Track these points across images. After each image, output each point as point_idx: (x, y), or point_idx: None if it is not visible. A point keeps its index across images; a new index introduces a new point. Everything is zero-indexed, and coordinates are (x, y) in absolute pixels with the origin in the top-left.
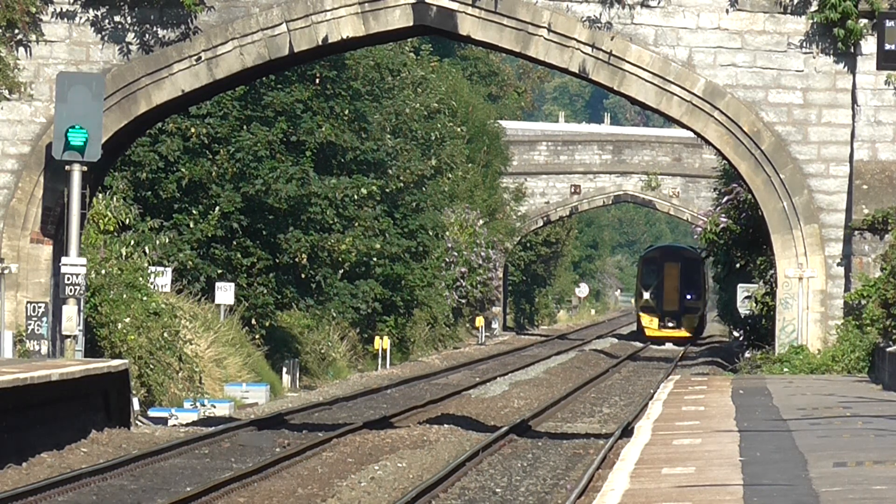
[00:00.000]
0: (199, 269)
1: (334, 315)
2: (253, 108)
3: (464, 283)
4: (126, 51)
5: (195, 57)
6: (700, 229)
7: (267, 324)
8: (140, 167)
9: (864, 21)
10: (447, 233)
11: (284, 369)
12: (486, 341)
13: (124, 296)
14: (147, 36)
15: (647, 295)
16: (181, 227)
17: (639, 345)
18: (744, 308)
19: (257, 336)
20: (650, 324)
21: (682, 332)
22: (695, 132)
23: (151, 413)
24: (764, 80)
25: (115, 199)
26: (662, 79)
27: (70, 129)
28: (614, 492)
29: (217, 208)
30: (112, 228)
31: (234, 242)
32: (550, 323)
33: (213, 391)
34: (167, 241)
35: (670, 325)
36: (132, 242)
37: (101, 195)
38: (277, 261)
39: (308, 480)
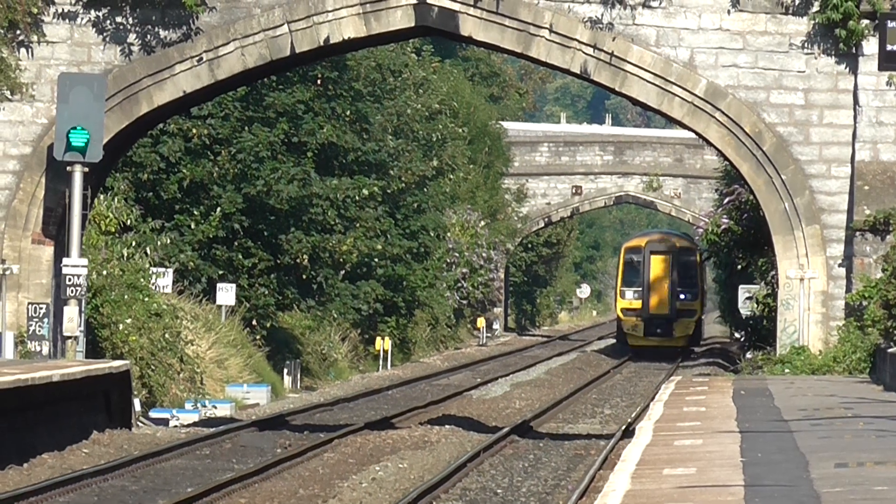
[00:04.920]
0: (200, 270)
1: (335, 316)
2: (254, 108)
3: (465, 284)
4: (128, 51)
5: (197, 58)
6: (701, 230)
7: (268, 324)
8: (141, 168)
9: (865, 22)
10: (448, 234)
11: (285, 370)
12: (488, 342)
13: (126, 297)
14: (149, 37)
15: (629, 294)
16: (182, 228)
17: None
18: (745, 309)
19: (258, 337)
20: (634, 330)
21: (674, 341)
22: (696, 133)
23: (153, 414)
24: (765, 81)
25: (116, 199)
26: (664, 79)
27: (71, 130)
28: (616, 492)
29: (218, 209)
30: (113, 229)
31: (236, 243)
32: (552, 324)
33: (214, 392)
34: (168, 241)
35: (659, 332)
36: (133, 243)
37: (102, 196)
38: (279, 262)
39: (309, 481)
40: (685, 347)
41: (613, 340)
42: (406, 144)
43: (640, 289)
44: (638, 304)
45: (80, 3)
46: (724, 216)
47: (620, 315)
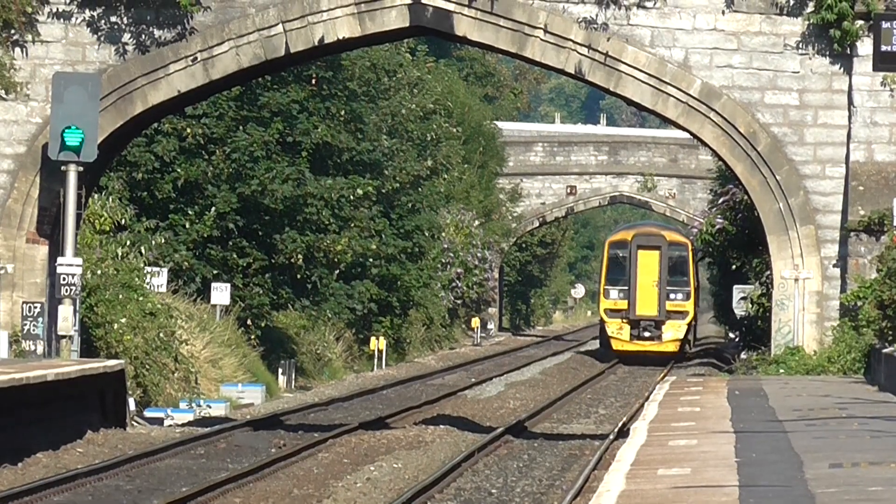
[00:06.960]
0: (194, 270)
1: (330, 316)
2: (249, 108)
3: (460, 284)
4: (122, 51)
5: (191, 57)
6: (696, 230)
7: (263, 324)
8: (136, 167)
9: (860, 22)
10: (443, 233)
11: (280, 370)
12: (482, 342)
13: (120, 296)
14: (143, 36)
15: (614, 294)
16: (177, 228)
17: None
18: (740, 309)
19: (253, 336)
20: (619, 334)
21: (664, 346)
22: (691, 133)
23: (147, 413)
24: (760, 82)
25: (110, 199)
26: (658, 80)
27: (66, 130)
28: (610, 492)
29: (213, 209)
30: (108, 229)
31: (230, 243)
32: (546, 324)
33: (208, 392)
34: (163, 241)
35: (647, 335)
36: (128, 243)
37: (96, 195)
38: (273, 261)
39: (304, 481)
40: (676, 353)
41: None
42: (400, 144)
43: (626, 287)
44: (623, 304)
45: (75, 2)
46: (719, 216)
47: (604, 317)
